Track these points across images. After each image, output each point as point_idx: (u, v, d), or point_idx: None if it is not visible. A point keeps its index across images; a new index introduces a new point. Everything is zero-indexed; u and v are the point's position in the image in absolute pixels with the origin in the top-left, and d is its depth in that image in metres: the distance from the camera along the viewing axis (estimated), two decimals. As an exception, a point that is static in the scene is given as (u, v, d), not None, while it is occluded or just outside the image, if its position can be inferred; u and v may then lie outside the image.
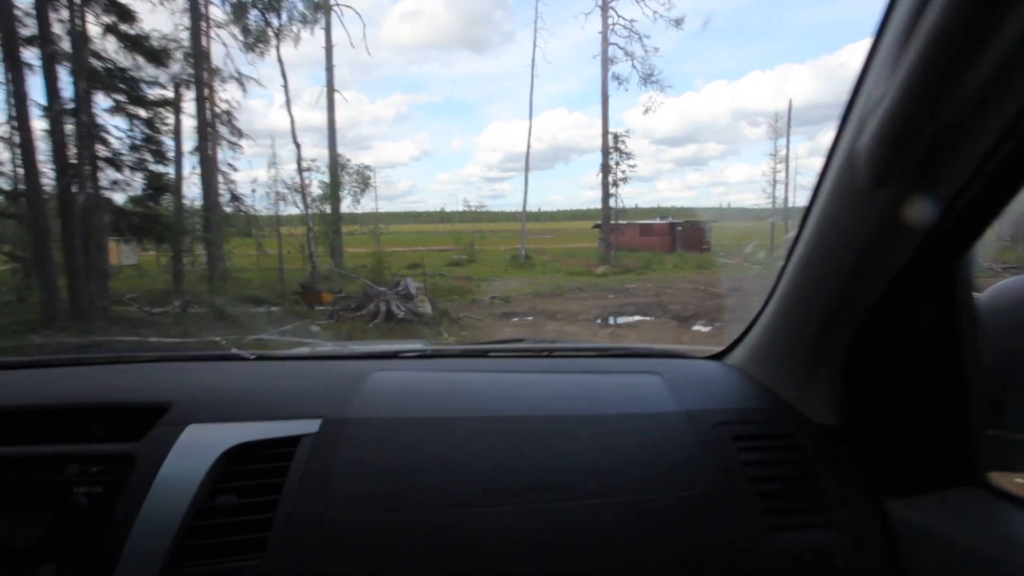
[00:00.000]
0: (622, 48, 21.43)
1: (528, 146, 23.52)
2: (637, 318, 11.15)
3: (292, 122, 15.21)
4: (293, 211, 18.99)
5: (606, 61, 21.38)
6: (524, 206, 24.47)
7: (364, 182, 22.37)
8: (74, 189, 9.34)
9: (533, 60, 24.10)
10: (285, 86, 15.05)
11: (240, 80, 15.25)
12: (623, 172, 21.94)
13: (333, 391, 0.98)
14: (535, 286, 15.99)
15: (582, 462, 0.86)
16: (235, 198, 14.79)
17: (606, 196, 22.03)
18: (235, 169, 16.20)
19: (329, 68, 19.52)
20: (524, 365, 1.16)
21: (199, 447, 0.84)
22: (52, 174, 9.39)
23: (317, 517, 0.78)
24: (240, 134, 15.31)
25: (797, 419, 0.92)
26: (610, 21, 21.25)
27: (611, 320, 11.02)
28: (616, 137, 21.63)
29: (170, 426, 0.87)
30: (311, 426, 0.88)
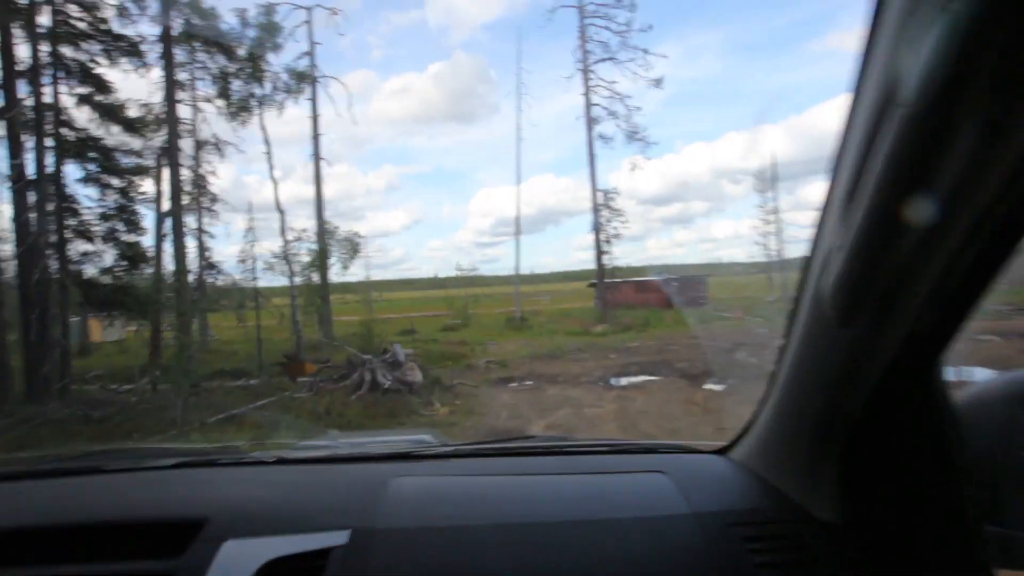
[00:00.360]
0: (605, 108, 21.69)
1: (518, 211, 23.40)
2: (643, 378, 10.39)
3: (275, 186, 14.88)
4: (283, 281, 18.57)
5: (590, 121, 21.59)
6: (517, 267, 24.17)
7: (353, 249, 21.94)
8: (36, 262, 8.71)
9: (519, 129, 24.24)
10: (268, 152, 14.84)
11: (218, 146, 15.03)
12: (614, 229, 21.65)
13: (357, 501, 1.01)
14: (532, 348, 15.31)
15: (596, 568, 0.86)
16: (211, 266, 14.19)
17: (599, 254, 21.65)
18: (212, 236, 15.62)
19: (315, 136, 19.56)
20: (536, 465, 1.18)
21: (236, 563, 0.85)
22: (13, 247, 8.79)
23: None
24: (214, 199, 14.87)
25: (803, 517, 0.92)
26: (592, 83, 21.64)
27: (614, 382, 10.24)
28: (606, 195, 21.49)
29: (208, 543, 0.88)
30: (340, 538, 0.90)
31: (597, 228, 21.26)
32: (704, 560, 0.87)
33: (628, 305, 23.35)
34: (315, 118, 19.59)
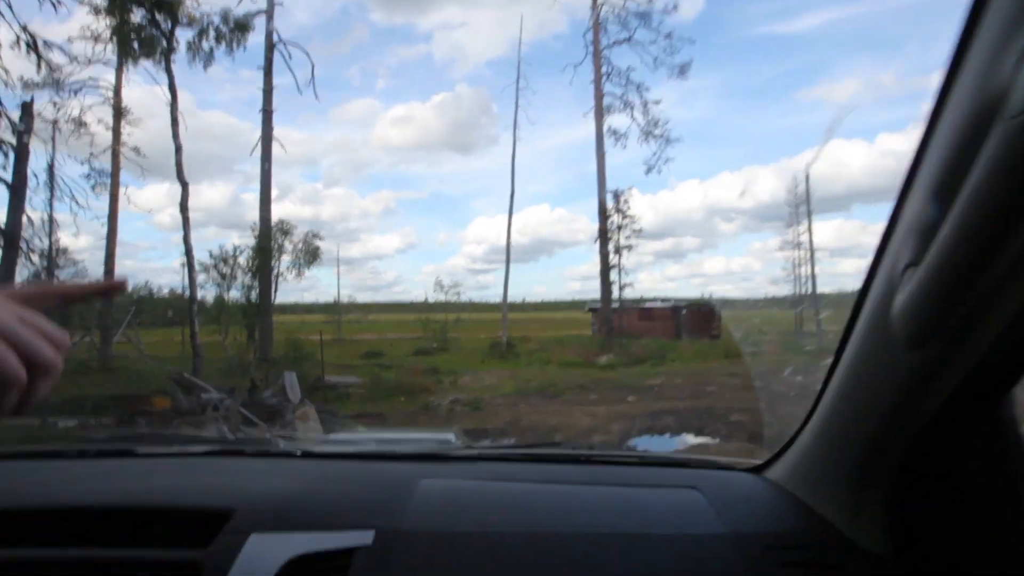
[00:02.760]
0: (619, 97, 18.32)
1: (509, 226, 19.72)
2: (691, 440, 6.65)
3: (177, 152, 11.10)
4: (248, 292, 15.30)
5: (600, 111, 18.16)
6: (505, 288, 20.47)
7: (310, 253, 18.09)
8: None
9: (514, 145, 20.76)
10: (172, 102, 11.17)
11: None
12: (627, 237, 18.00)
13: (383, 500, 1.01)
14: (519, 382, 11.52)
15: None
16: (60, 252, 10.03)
17: (606, 268, 17.93)
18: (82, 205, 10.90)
19: (266, 110, 16.03)
20: (565, 473, 1.16)
21: (261, 557, 0.85)
22: None
23: None
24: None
25: (847, 545, 0.87)
26: (604, 70, 18.33)
27: (647, 444, 6.48)
28: (617, 196, 17.92)
29: (234, 535, 0.89)
30: (365, 538, 0.89)
31: (603, 235, 17.58)
32: None
33: (631, 334, 19.75)
34: (268, 91, 16.14)
